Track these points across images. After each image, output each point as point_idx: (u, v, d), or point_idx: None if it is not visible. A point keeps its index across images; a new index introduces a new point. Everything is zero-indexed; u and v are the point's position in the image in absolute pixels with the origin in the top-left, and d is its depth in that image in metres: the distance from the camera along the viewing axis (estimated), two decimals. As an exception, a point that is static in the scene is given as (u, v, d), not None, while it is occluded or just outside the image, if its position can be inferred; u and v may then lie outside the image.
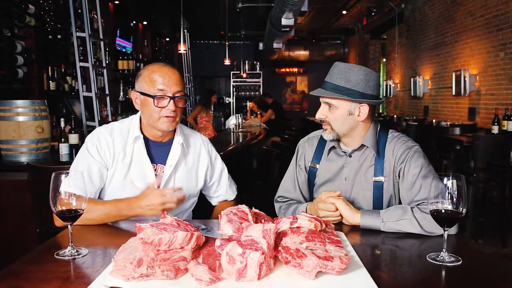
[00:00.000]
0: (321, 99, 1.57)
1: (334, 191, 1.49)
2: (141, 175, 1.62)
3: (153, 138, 1.67)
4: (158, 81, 1.56)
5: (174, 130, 1.69)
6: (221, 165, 1.85)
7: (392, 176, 1.55)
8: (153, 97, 1.56)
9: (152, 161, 1.64)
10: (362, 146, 1.59)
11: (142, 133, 1.65)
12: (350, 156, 1.61)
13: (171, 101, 1.56)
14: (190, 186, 1.71)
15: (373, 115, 1.61)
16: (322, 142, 1.69)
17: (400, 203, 1.57)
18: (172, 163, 1.65)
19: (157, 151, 1.66)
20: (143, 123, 1.66)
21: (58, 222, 1.48)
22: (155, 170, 1.64)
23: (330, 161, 1.65)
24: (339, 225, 1.48)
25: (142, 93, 1.59)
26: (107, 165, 1.61)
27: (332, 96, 1.52)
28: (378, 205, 1.56)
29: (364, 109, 1.54)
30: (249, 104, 8.62)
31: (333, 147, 1.64)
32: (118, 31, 7.42)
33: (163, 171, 1.65)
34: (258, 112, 7.94)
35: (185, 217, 1.76)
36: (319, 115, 1.57)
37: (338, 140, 1.62)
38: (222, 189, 1.86)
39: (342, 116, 1.54)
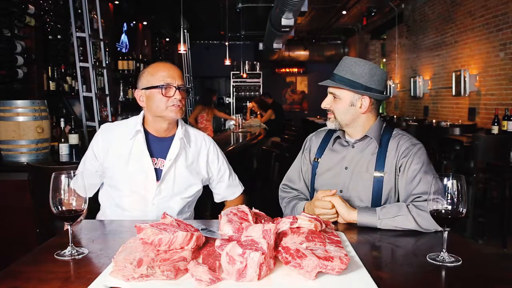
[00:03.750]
0: (327, 89, 1.65)
1: (329, 190, 1.51)
2: (140, 168, 1.68)
3: (156, 133, 1.73)
4: (163, 75, 1.65)
5: (177, 126, 1.76)
6: (217, 169, 1.85)
7: (393, 171, 1.58)
8: (160, 87, 1.63)
9: (152, 155, 1.70)
10: (366, 137, 1.64)
11: (145, 128, 1.72)
12: (353, 146, 1.65)
13: (177, 90, 1.65)
14: (191, 177, 1.76)
15: (377, 109, 1.66)
16: (328, 135, 1.75)
17: (399, 197, 1.58)
18: (171, 157, 1.70)
19: (158, 145, 1.72)
20: (147, 119, 1.73)
21: None
22: (155, 164, 1.70)
23: (334, 151, 1.70)
24: (335, 224, 1.48)
25: (147, 88, 1.66)
26: (101, 160, 1.71)
27: (335, 86, 1.60)
28: (376, 198, 1.58)
29: (365, 101, 1.59)
30: (248, 105, 8.60)
31: (338, 137, 1.70)
32: (124, 30, 7.40)
33: (163, 165, 1.70)
34: (258, 112, 7.94)
35: (191, 208, 1.83)
36: (324, 104, 1.65)
37: (343, 131, 1.68)
38: (221, 189, 1.89)
39: (344, 106, 1.61)
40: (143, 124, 1.73)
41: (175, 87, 1.64)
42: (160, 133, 1.73)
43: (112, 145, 1.70)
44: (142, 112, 1.75)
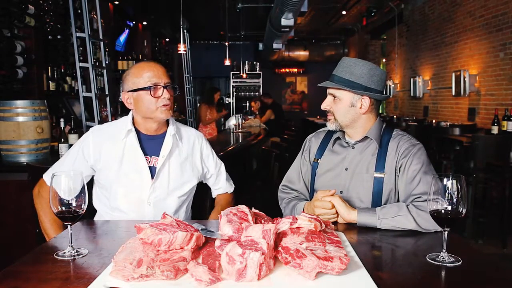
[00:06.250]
0: (327, 91, 1.64)
1: (329, 190, 1.52)
2: (134, 167, 1.68)
3: (147, 132, 1.72)
4: (149, 75, 1.64)
5: (167, 123, 1.76)
6: (213, 163, 1.89)
7: (393, 171, 1.58)
8: (148, 88, 1.63)
9: (145, 153, 1.69)
10: (366, 138, 1.64)
11: (136, 127, 1.71)
12: (353, 147, 1.65)
13: (165, 89, 1.64)
14: (185, 174, 1.76)
15: (377, 109, 1.66)
16: (328, 135, 1.75)
17: (399, 197, 1.58)
18: (164, 153, 1.70)
19: (150, 143, 1.72)
20: (136, 119, 1.73)
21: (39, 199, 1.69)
22: (148, 162, 1.69)
23: (334, 152, 1.70)
24: (335, 224, 1.49)
25: (134, 90, 1.65)
26: (91, 163, 1.69)
27: (335, 87, 1.59)
28: (377, 198, 1.58)
29: (366, 101, 1.59)
30: (254, 106, 8.44)
31: (338, 138, 1.70)
32: (124, 30, 7.40)
33: (157, 163, 1.70)
34: (257, 113, 7.93)
35: (187, 203, 1.82)
36: (324, 105, 1.65)
37: (343, 132, 1.68)
38: (221, 181, 1.93)
39: (344, 107, 1.60)
40: (133, 123, 1.72)
41: (163, 86, 1.64)
42: (151, 131, 1.73)
43: (104, 147, 1.69)
44: (130, 113, 1.74)
